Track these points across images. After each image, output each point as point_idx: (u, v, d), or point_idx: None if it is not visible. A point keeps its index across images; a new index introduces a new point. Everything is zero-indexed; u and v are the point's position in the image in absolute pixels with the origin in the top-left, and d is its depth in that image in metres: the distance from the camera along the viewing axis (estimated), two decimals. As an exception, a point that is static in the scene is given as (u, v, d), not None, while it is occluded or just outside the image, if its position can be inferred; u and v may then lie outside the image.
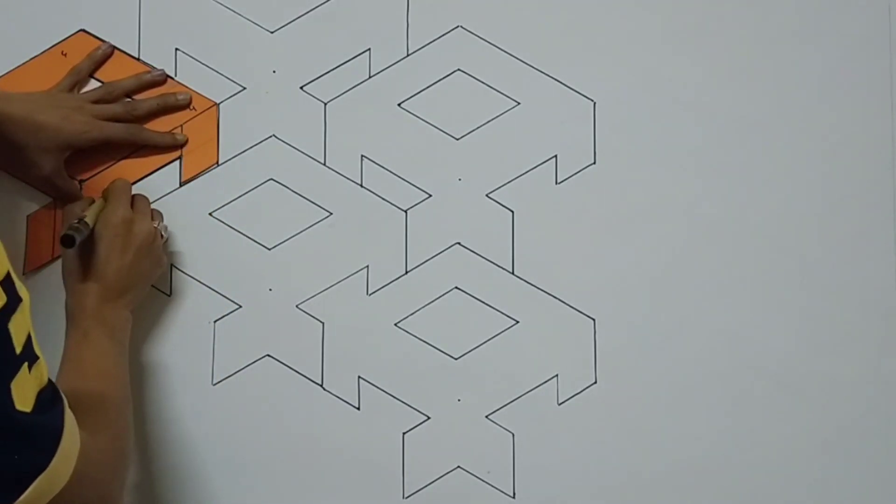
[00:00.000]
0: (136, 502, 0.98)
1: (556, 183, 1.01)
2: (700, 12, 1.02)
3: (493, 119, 1.02)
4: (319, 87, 1.02)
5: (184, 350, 1.00)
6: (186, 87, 1.02)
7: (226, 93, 1.02)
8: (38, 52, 1.02)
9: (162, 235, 0.98)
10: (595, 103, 1.02)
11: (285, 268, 1.01)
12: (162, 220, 0.99)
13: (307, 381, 1.00)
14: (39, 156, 0.95)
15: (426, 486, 0.99)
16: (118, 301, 0.92)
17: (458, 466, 0.99)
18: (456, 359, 1.00)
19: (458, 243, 1.01)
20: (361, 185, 1.01)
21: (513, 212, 1.01)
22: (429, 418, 1.00)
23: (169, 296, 1.01)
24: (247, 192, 1.01)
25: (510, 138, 1.01)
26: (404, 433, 1.00)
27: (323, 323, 1.00)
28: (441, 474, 0.99)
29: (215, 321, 1.00)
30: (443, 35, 1.02)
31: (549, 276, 1.00)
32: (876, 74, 1.01)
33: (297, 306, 1.00)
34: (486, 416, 1.00)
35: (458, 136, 1.02)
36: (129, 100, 1.01)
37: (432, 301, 1.00)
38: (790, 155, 1.01)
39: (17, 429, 0.67)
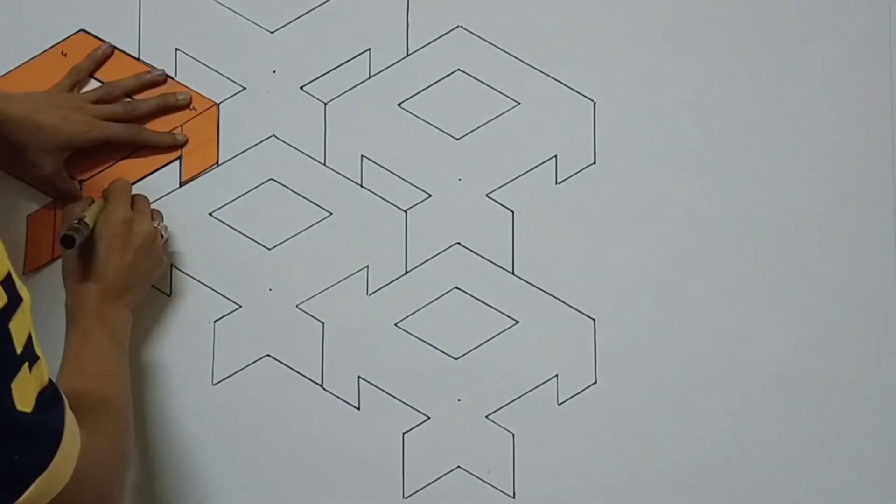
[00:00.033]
0: (136, 502, 0.98)
1: (556, 183, 1.01)
2: (700, 12, 1.02)
3: (493, 119, 1.02)
4: (319, 87, 1.02)
5: (184, 350, 1.00)
6: (186, 87, 1.02)
7: (226, 93, 1.02)
8: (38, 52, 1.02)
9: (162, 235, 0.98)
10: (595, 103, 1.02)
11: (285, 268, 1.01)
12: (162, 220, 0.99)
13: (307, 381, 1.00)
14: (39, 156, 0.95)
15: (426, 486, 0.99)
16: (118, 301, 0.92)
17: (458, 466, 0.99)
18: (456, 359, 1.00)
19: (458, 243, 1.01)
20: (361, 185, 1.01)
21: (513, 212, 1.01)
22: (429, 418, 1.00)
23: (169, 296, 1.01)
24: (247, 192, 1.01)
25: (510, 138, 1.01)
26: (404, 433, 1.00)
27: (323, 323, 1.00)
28: (441, 474, 0.99)
29: (215, 321, 1.00)
30: (443, 35, 1.02)
31: (549, 276, 1.00)
32: (876, 74, 1.01)
33: (297, 306, 1.00)
34: (486, 416, 1.00)
35: (458, 136, 1.02)
36: (129, 100, 1.01)
37: (432, 301, 1.00)
38: (790, 155, 1.01)
39: (17, 429, 0.67)
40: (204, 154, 1.02)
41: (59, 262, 0.95)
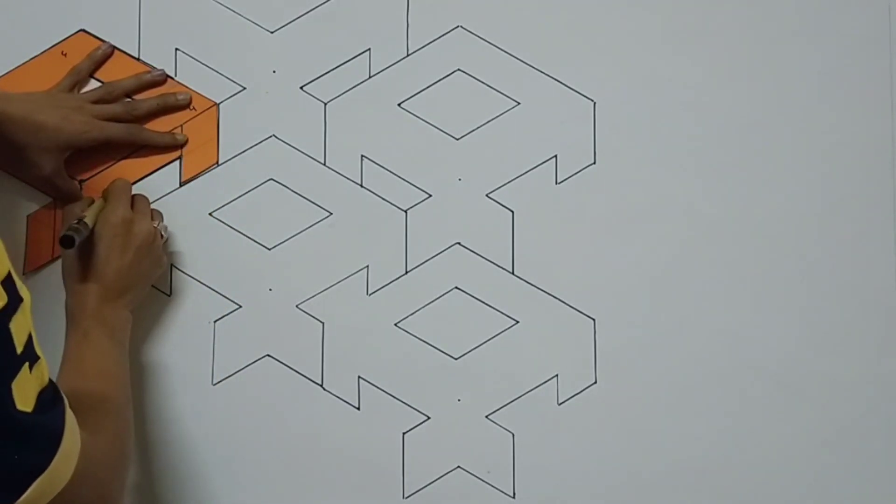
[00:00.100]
0: (136, 502, 0.98)
1: (556, 183, 1.01)
2: (700, 12, 1.02)
3: (493, 119, 1.02)
4: (319, 87, 1.02)
5: (184, 350, 1.00)
6: (186, 87, 1.02)
7: (226, 93, 1.02)
8: (38, 52, 1.02)
9: (162, 235, 0.98)
10: (595, 103, 1.02)
11: (285, 268, 1.01)
12: (162, 220, 0.99)
13: (307, 381, 1.00)
14: (39, 156, 0.95)
15: (426, 486, 0.99)
16: (118, 301, 0.92)
17: (458, 466, 0.99)
18: (456, 359, 1.00)
19: (458, 243, 1.01)
20: (361, 185, 1.01)
21: (513, 212, 1.01)
22: (429, 418, 1.00)
23: (169, 296, 1.01)
24: (247, 192, 1.01)
25: (510, 138, 1.01)
26: (404, 433, 1.00)
27: (323, 323, 1.00)
28: (441, 474, 0.99)
29: (215, 321, 1.00)
30: (443, 35, 1.02)
31: (549, 276, 1.00)
32: (876, 74, 1.01)
33: (297, 306, 1.00)
34: (486, 416, 1.00)
35: (458, 136, 1.02)
36: (129, 100, 1.01)
37: (432, 301, 1.00)
38: (790, 155, 1.01)
39: (17, 429, 0.67)
40: (204, 154, 1.02)
41: (59, 262, 0.95)
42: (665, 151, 1.01)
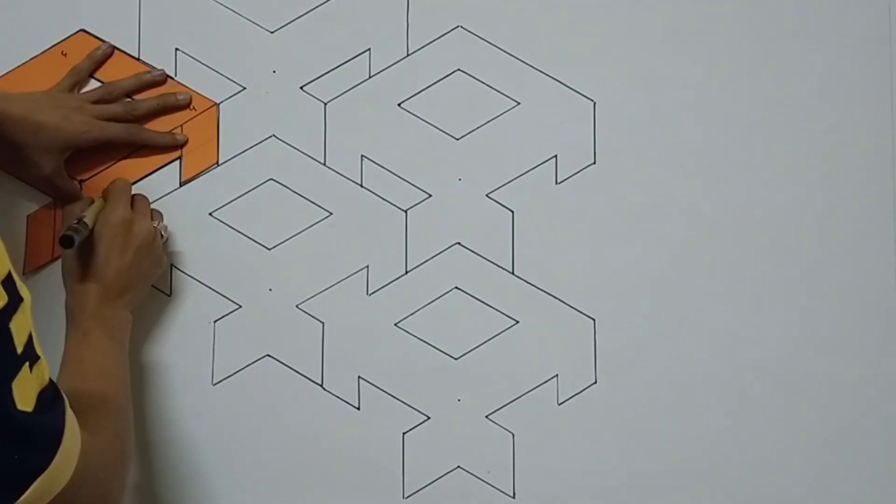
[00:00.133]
0: (136, 502, 0.98)
1: (556, 183, 1.01)
2: (700, 12, 1.02)
3: (493, 119, 1.02)
4: (319, 87, 1.02)
5: (184, 350, 1.00)
6: (186, 87, 1.02)
7: (226, 93, 1.02)
8: (38, 52, 1.02)
9: (162, 235, 0.98)
10: (595, 103, 1.02)
11: (285, 268, 1.01)
12: (162, 220, 0.99)
13: (307, 381, 1.00)
14: (39, 156, 0.95)
15: (426, 486, 0.99)
16: (118, 301, 0.92)
17: (458, 466, 0.99)
18: (456, 359, 1.00)
19: (458, 243, 1.01)
20: (361, 185, 1.01)
21: (513, 212, 1.01)
22: (429, 418, 1.00)
23: (169, 296, 1.01)
24: (247, 192, 1.01)
25: (510, 138, 1.01)
26: (404, 433, 1.00)
27: (323, 323, 1.00)
28: (441, 474, 0.99)
29: (215, 321, 1.00)
30: (443, 35, 1.02)
31: (549, 276, 1.00)
32: (876, 74, 1.01)
33: (297, 306, 1.00)
34: (486, 416, 1.00)
35: (458, 136, 1.02)
36: (129, 100, 1.01)
37: (432, 301, 1.00)
38: (790, 155, 1.01)
39: (18, 429, 0.67)
40: (204, 154, 1.02)
41: (59, 262, 0.95)
42: (665, 151, 1.01)
